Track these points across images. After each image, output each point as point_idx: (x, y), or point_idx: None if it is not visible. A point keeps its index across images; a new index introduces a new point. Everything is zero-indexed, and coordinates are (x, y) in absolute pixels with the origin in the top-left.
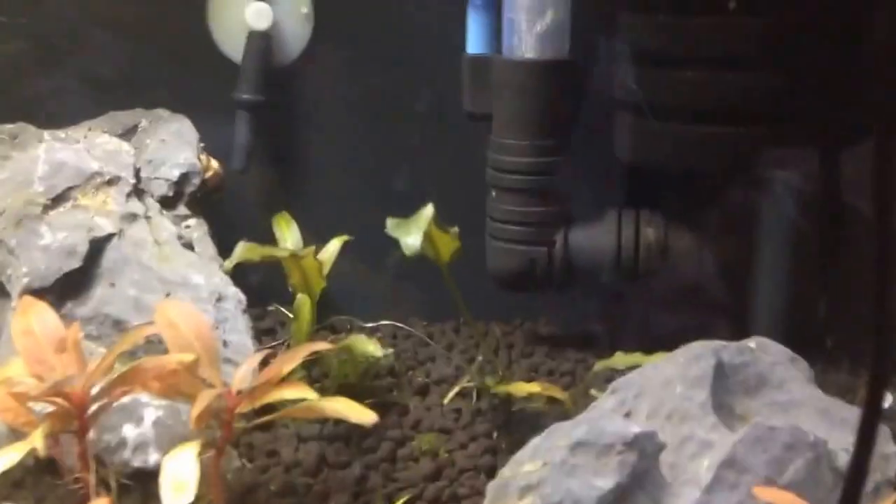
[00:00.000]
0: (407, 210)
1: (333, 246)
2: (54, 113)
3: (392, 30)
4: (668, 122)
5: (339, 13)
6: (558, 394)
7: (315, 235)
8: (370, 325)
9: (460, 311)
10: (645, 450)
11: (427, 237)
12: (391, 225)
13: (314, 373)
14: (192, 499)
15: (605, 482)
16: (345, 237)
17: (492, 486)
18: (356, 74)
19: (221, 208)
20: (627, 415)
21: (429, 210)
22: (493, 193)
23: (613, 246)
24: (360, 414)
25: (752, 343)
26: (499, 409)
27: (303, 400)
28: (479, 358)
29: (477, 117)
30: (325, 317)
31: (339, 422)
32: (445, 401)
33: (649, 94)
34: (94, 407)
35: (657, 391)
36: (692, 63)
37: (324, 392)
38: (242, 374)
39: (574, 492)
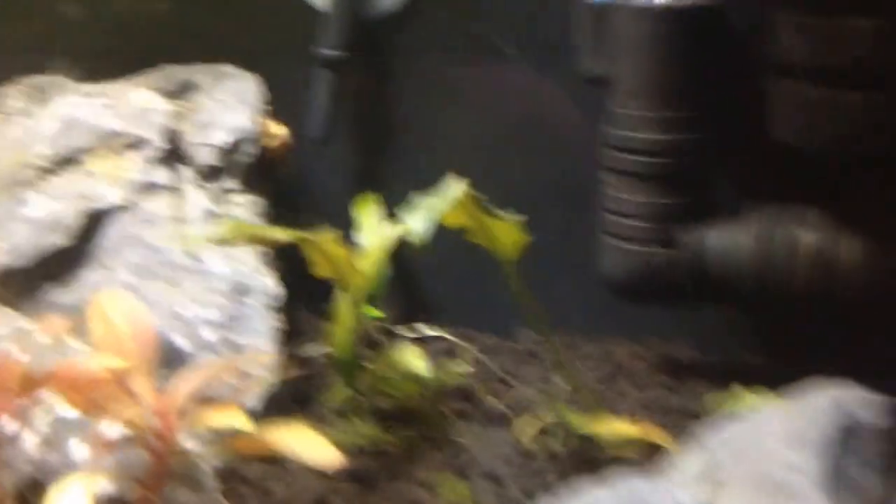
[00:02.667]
0: (523, 195)
1: (390, 233)
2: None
3: None
4: (847, 91)
5: None
6: (662, 440)
7: None
8: (451, 336)
9: (530, 324)
10: None
11: (476, 224)
12: (408, 206)
13: (359, 391)
14: None
15: None
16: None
17: None
18: (464, 30)
19: (296, 186)
20: (716, 482)
21: (456, 188)
22: (609, 179)
23: (758, 251)
24: (320, 454)
25: None
26: (579, 455)
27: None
28: (561, 383)
29: (596, 81)
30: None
31: (358, 456)
32: (524, 438)
33: (821, 53)
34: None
35: (757, 452)
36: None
37: (380, 417)
38: (181, 392)
39: None
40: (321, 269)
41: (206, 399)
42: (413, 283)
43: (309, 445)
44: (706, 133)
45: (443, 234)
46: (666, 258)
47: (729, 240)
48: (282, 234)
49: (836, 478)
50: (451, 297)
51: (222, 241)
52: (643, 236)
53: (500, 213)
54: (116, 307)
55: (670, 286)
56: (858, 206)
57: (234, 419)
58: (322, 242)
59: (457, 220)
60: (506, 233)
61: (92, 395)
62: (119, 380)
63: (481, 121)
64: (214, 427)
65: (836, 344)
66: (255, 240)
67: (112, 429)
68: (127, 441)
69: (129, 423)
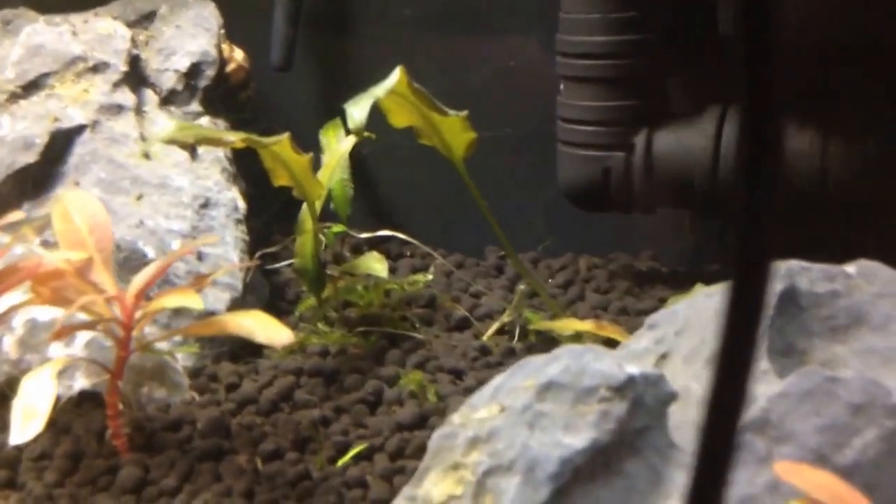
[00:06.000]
0: (490, 116)
1: (346, 144)
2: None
3: None
4: None
5: None
6: (617, 335)
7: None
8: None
9: (499, 237)
10: (642, 399)
11: (426, 124)
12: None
13: (326, 300)
14: (40, 429)
15: (576, 439)
16: (366, 134)
17: (436, 437)
18: None
19: (265, 113)
20: (663, 357)
21: (393, 77)
22: (562, 87)
23: (710, 151)
24: (272, 332)
25: (850, 268)
26: (536, 350)
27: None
28: (522, 287)
29: None
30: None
31: (326, 356)
32: (484, 338)
33: None
34: None
35: (703, 326)
36: None
37: (346, 323)
38: (141, 282)
39: (532, 450)
40: (279, 178)
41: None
42: (383, 205)
43: (262, 326)
44: (653, 33)
45: (416, 159)
46: (621, 163)
47: (681, 140)
48: (231, 136)
49: (777, 343)
50: (421, 218)
51: (170, 141)
52: (596, 142)
53: (448, 109)
54: (76, 206)
55: (626, 192)
56: (804, 99)
57: (186, 299)
58: (276, 147)
59: (405, 118)
60: (454, 130)
61: (56, 287)
62: (80, 272)
63: (446, 44)
64: (169, 307)
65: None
66: (203, 140)
67: (75, 316)
68: (88, 327)
69: (87, 310)
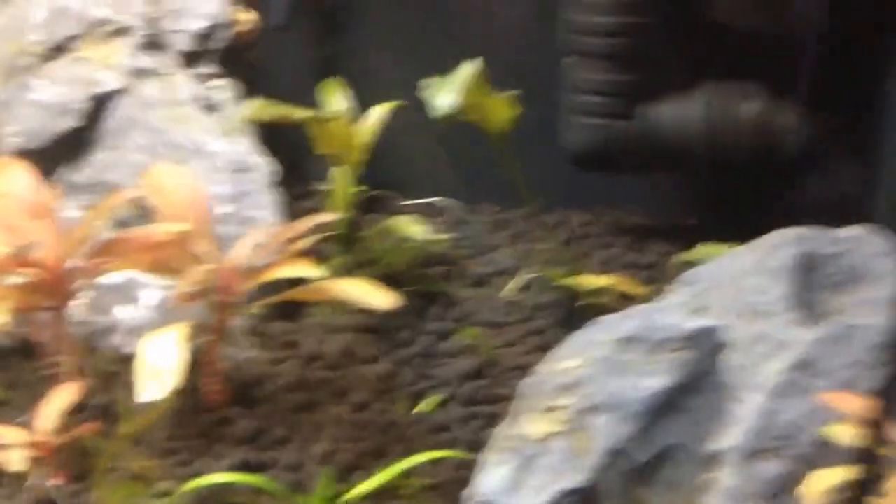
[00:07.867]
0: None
1: (377, 113)
2: None
3: None
4: None
5: None
6: (633, 288)
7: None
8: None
9: (523, 195)
10: (704, 347)
11: (474, 101)
12: (425, 85)
13: (353, 260)
14: (169, 390)
15: (656, 382)
16: (393, 103)
17: (525, 385)
18: None
19: (263, 72)
20: (697, 310)
21: (470, 68)
22: (568, 59)
23: (704, 122)
24: (380, 297)
25: (851, 232)
26: (562, 304)
27: (316, 280)
28: (541, 247)
29: None
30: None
31: (371, 313)
32: (503, 293)
33: None
34: (74, 282)
35: (732, 283)
36: None
37: (375, 280)
38: (242, 250)
39: (618, 392)
40: (323, 146)
41: None
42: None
43: (369, 292)
44: (656, 17)
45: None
46: (625, 130)
47: (677, 112)
48: (300, 114)
49: (796, 297)
50: (412, 174)
51: (253, 120)
52: (602, 111)
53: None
54: (169, 178)
55: (629, 156)
56: (790, 79)
57: (306, 270)
58: (331, 121)
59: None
60: (498, 108)
61: (158, 257)
62: (182, 243)
63: (444, 7)
64: (287, 277)
65: (768, 204)
66: (279, 118)
67: (180, 286)
68: (201, 296)
69: (193, 279)
